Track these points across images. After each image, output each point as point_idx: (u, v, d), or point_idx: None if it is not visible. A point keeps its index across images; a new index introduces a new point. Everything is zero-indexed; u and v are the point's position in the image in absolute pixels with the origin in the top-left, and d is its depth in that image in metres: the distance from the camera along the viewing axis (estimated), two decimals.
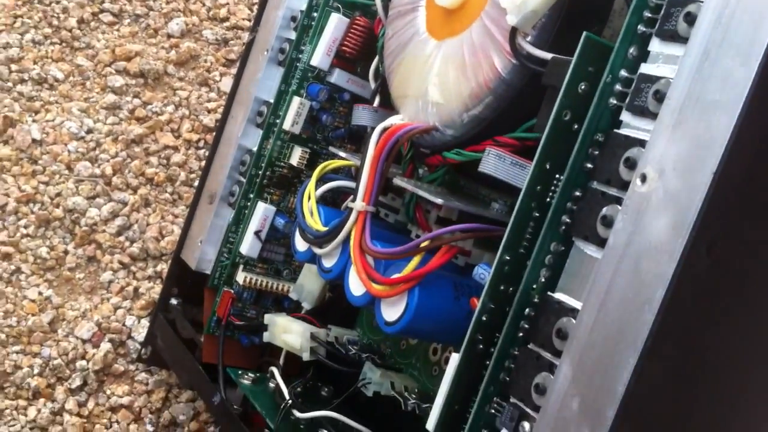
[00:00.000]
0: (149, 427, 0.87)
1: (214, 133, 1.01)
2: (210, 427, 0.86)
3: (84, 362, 0.87)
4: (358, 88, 0.75)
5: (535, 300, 0.45)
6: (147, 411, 0.88)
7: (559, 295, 0.44)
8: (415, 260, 0.55)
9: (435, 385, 0.50)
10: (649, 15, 0.43)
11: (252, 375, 0.73)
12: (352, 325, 0.74)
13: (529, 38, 0.53)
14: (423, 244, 0.55)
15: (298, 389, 0.68)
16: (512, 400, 0.45)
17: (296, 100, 0.74)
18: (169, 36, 1.07)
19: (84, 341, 0.88)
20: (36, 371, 0.84)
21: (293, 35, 0.77)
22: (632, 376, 0.37)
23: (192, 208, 0.83)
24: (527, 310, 0.45)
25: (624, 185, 0.41)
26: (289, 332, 0.69)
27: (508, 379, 0.45)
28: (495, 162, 0.52)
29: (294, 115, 0.74)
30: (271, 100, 0.77)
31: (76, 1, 1.05)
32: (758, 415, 0.43)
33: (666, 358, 0.37)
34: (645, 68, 0.43)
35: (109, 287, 0.92)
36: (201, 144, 1.03)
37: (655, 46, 0.43)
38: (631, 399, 0.36)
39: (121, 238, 0.95)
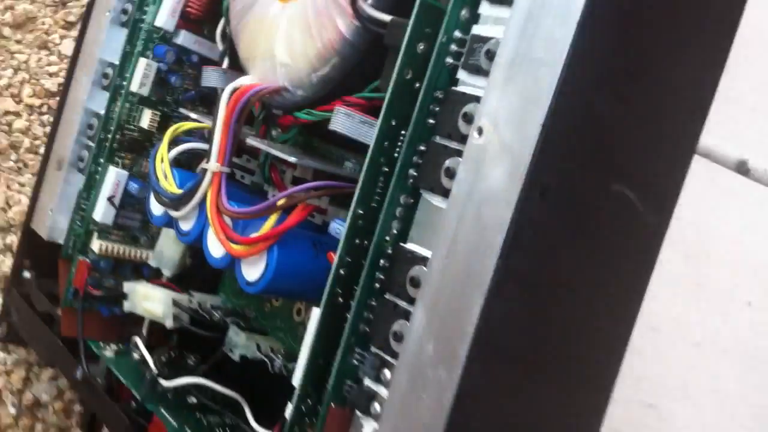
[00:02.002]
0: (12, 410, 0.85)
1: (57, 98, 0.98)
2: (76, 405, 0.85)
3: None
4: (206, 50, 0.75)
5: (389, 251, 0.48)
6: (8, 392, 0.85)
7: (410, 246, 0.47)
8: (272, 219, 0.56)
9: (300, 346, 0.52)
10: None
11: (115, 347, 0.73)
12: (214, 290, 0.75)
13: (369, 0, 0.55)
14: (279, 203, 0.56)
15: (163, 358, 0.68)
16: (373, 349, 0.47)
17: (142, 61, 0.73)
18: None
19: None
20: None
21: None
22: (480, 316, 0.40)
23: (40, 176, 0.81)
24: (382, 261, 0.48)
25: (463, 138, 0.44)
26: (150, 300, 0.69)
27: (367, 329, 0.48)
28: (344, 120, 0.54)
29: (141, 76, 0.73)
30: (116, 62, 0.75)
31: None
32: (600, 341, 0.47)
33: (510, 297, 0.41)
34: (476, 29, 0.45)
35: None
36: (44, 109, 1.00)
37: (485, 9, 0.45)
38: (481, 337, 0.40)
39: None
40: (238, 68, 0.70)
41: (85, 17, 0.80)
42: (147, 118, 0.74)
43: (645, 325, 0.49)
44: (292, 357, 0.61)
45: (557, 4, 0.40)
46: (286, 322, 0.67)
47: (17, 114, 0.98)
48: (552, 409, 0.47)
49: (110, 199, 0.74)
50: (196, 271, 0.74)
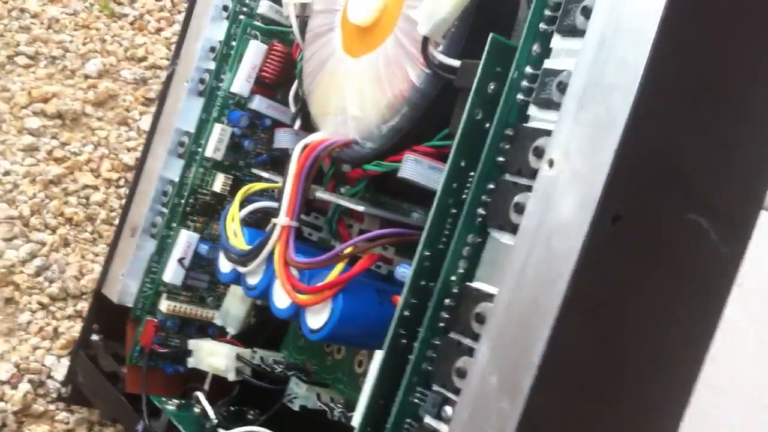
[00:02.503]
0: None
1: (134, 171, 1.01)
2: None
3: (2, 403, 0.84)
4: (279, 114, 0.77)
5: (455, 291, 0.46)
6: None
7: (477, 284, 0.46)
8: (338, 267, 0.56)
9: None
10: (550, 13, 0.45)
11: (176, 401, 0.72)
12: (277, 348, 0.74)
13: (440, 48, 0.55)
14: (345, 251, 0.56)
15: (224, 410, 0.68)
16: (434, 387, 0.46)
17: (217, 126, 0.75)
18: (87, 77, 1.07)
19: (2, 383, 0.85)
20: None
21: (212, 65, 0.78)
22: (546, 345, 0.38)
23: (113, 243, 0.83)
24: (447, 300, 0.46)
25: (534, 173, 0.43)
26: (214, 355, 0.69)
27: (430, 368, 0.46)
28: (413, 167, 0.54)
29: (216, 141, 0.75)
30: (193, 131, 0.78)
31: None
32: (670, 371, 0.45)
33: (577, 326, 0.39)
34: (548, 63, 0.45)
35: (27, 328, 0.90)
36: (121, 182, 1.03)
37: (557, 42, 0.45)
38: (546, 366, 0.38)
39: (40, 279, 0.93)
40: (309, 129, 0.71)
41: (164, 90, 0.83)
42: (220, 182, 0.76)
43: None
44: (351, 406, 0.59)
45: (630, 27, 0.39)
46: (347, 374, 0.66)
47: (95, 187, 1.01)
48: None
49: (180, 261, 0.75)
50: (259, 330, 0.74)
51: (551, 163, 0.41)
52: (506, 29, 0.56)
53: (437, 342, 0.46)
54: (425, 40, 0.54)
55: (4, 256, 0.92)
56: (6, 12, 1.05)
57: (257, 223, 0.73)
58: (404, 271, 0.50)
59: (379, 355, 0.49)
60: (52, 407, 0.86)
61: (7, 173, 0.97)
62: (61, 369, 0.87)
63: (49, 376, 0.88)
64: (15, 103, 1.02)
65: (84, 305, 0.93)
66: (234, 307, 0.74)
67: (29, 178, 0.98)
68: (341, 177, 0.66)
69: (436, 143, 0.56)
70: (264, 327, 0.74)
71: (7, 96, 1.03)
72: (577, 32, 0.43)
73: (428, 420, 0.45)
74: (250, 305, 0.73)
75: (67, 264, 0.95)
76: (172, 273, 0.75)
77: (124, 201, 0.98)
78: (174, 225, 0.76)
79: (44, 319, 0.92)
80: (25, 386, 0.85)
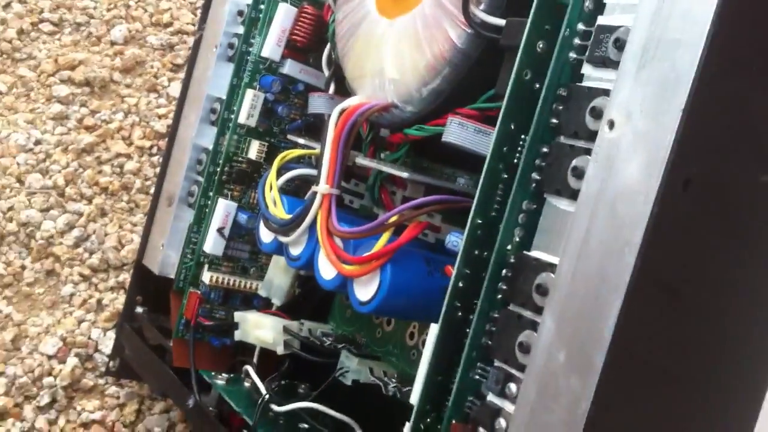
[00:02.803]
0: None
1: (166, 139, 1.00)
2: None
3: (51, 379, 0.84)
4: (312, 78, 0.75)
5: (511, 260, 0.45)
6: (120, 425, 0.85)
7: (535, 253, 0.44)
8: (384, 237, 0.54)
9: (414, 369, 0.50)
10: None
11: (226, 376, 0.72)
12: (324, 319, 0.73)
13: (482, 6, 0.53)
14: (391, 220, 0.54)
15: (274, 385, 0.67)
16: (496, 363, 0.44)
17: (249, 92, 0.73)
18: (113, 43, 1.05)
19: (49, 357, 0.85)
20: (2, 391, 0.82)
21: (241, 30, 0.76)
22: (618, 319, 0.36)
23: (150, 213, 0.82)
24: (504, 271, 0.45)
25: (591, 135, 0.41)
26: (261, 328, 0.68)
27: (490, 342, 0.45)
28: (458, 130, 0.52)
29: (248, 107, 0.73)
30: (224, 97, 0.76)
31: (15, 12, 1.03)
32: (749, 351, 0.43)
33: (650, 300, 0.37)
34: (602, 20, 0.43)
35: (71, 301, 0.90)
36: (154, 150, 1.02)
37: None
38: (619, 342, 0.36)
39: (80, 250, 0.93)
40: (344, 93, 0.69)
41: (192, 56, 0.81)
42: (255, 150, 0.74)
43: None
44: (406, 380, 0.58)
45: None
46: (398, 347, 0.65)
47: (128, 156, 1.00)
48: (695, 422, 0.42)
49: (220, 231, 0.74)
50: (304, 301, 0.73)
51: (611, 125, 0.39)
52: None
53: (496, 315, 0.45)
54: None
55: (42, 227, 0.92)
56: None
57: (295, 190, 0.71)
58: (456, 240, 0.49)
59: (434, 329, 0.47)
60: (101, 381, 0.86)
61: (38, 142, 0.96)
62: (107, 342, 0.87)
63: (96, 350, 0.88)
64: (42, 71, 1.01)
65: (126, 276, 0.93)
66: (278, 278, 0.72)
67: (61, 147, 0.97)
68: (381, 142, 0.64)
69: (480, 105, 0.54)
70: (309, 297, 0.73)
71: (34, 63, 1.01)
72: None
73: (491, 398, 0.44)
74: (294, 275, 0.72)
75: (106, 234, 0.95)
76: (213, 243, 0.74)
77: (158, 169, 0.98)
78: (211, 194, 0.75)
79: (87, 291, 0.91)
80: (72, 360, 0.86)
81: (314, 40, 0.73)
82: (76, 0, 1.06)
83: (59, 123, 0.98)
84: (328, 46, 0.70)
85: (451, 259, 0.49)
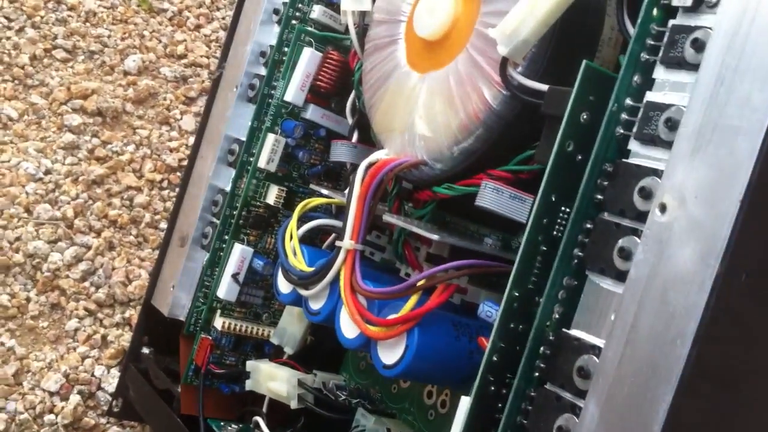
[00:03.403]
0: None
1: (177, 173, 0.99)
2: None
3: (52, 416, 0.82)
4: (334, 124, 0.74)
5: (550, 337, 0.44)
6: None
7: (576, 332, 0.43)
8: (413, 299, 0.53)
9: (432, 431, 0.48)
10: (652, 42, 0.42)
11: (235, 426, 0.70)
12: (337, 369, 0.72)
13: (519, 69, 0.52)
14: (420, 283, 0.53)
15: None
16: None
17: (271, 137, 0.72)
18: (126, 73, 1.05)
19: (51, 393, 0.84)
20: (1, 427, 0.80)
21: (263, 71, 0.75)
22: (668, 414, 0.35)
23: (162, 252, 0.80)
24: (542, 348, 0.44)
25: (639, 215, 0.40)
26: (274, 379, 0.67)
27: (525, 422, 0.44)
28: (493, 196, 0.51)
29: (269, 152, 0.72)
30: (243, 138, 0.75)
31: (28, 38, 1.02)
32: None
33: (704, 394, 0.36)
34: (651, 96, 0.42)
35: (75, 336, 0.89)
36: (165, 184, 1.00)
37: (660, 73, 0.42)
38: None
39: (86, 284, 0.91)
40: (367, 142, 0.68)
41: (211, 94, 0.80)
42: (273, 195, 0.73)
43: None
44: None
45: (755, 67, 0.36)
46: (415, 405, 0.63)
47: (138, 189, 0.99)
48: None
49: (235, 276, 0.72)
50: (317, 348, 0.71)
51: (663, 208, 0.38)
52: (590, 51, 0.53)
53: (532, 394, 0.43)
54: (504, 61, 0.51)
55: (49, 259, 0.90)
56: (42, 3, 1.03)
57: (312, 238, 0.70)
58: (490, 311, 0.47)
59: (465, 403, 0.46)
60: (102, 421, 0.84)
61: (48, 172, 0.95)
62: (111, 380, 0.86)
63: (99, 387, 0.86)
64: (53, 99, 1.00)
65: (132, 312, 0.91)
66: (291, 326, 0.71)
67: (71, 178, 0.96)
68: (406, 194, 0.63)
69: (513, 168, 0.53)
70: (322, 346, 0.72)
71: (46, 91, 1.00)
72: (686, 65, 0.40)
73: None
74: (307, 324, 0.71)
75: (114, 269, 0.93)
76: (227, 289, 0.72)
77: (168, 204, 0.97)
78: (226, 237, 0.74)
79: (92, 326, 0.90)
80: (75, 398, 0.84)
81: (338, 85, 0.72)
82: (90, 27, 1.05)
83: (70, 153, 0.97)
84: (353, 93, 0.69)
85: (477, 322, 0.48)
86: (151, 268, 0.93)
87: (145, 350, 0.81)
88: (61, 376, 0.85)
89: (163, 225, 0.97)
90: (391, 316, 0.53)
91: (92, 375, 0.87)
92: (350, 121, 0.70)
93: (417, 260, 0.61)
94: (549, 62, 0.52)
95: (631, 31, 0.47)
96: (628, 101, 0.43)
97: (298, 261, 0.63)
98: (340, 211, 0.68)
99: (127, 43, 1.07)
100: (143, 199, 0.98)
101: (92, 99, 1.01)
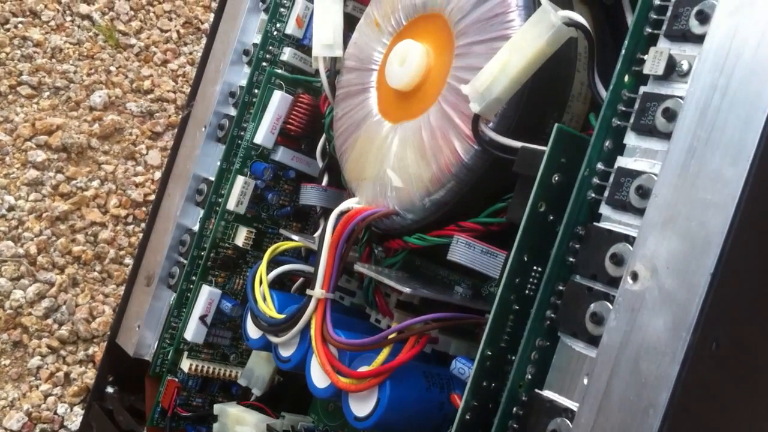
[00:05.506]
0: None
1: (143, 208, 0.98)
2: None
3: None
4: (304, 166, 0.74)
5: (523, 398, 0.44)
6: None
7: (548, 393, 0.43)
8: (384, 352, 0.53)
9: None
10: (624, 108, 0.43)
11: None
12: (305, 410, 0.72)
13: (491, 124, 0.53)
14: (391, 336, 0.53)
15: None
16: None
17: (240, 179, 0.72)
18: (92, 109, 1.04)
19: None
20: None
21: (232, 111, 0.75)
22: None
23: (127, 290, 0.79)
24: (515, 409, 0.44)
25: (611, 281, 0.41)
26: (242, 424, 0.66)
27: None
28: (464, 251, 0.51)
29: (239, 194, 0.72)
30: (211, 178, 0.75)
31: None
32: None
33: None
34: (622, 161, 0.43)
35: (37, 373, 0.87)
36: (130, 219, 0.99)
37: (632, 139, 0.43)
38: None
39: (49, 321, 0.90)
40: (337, 186, 0.68)
41: (179, 131, 0.80)
42: (242, 236, 0.73)
43: None
44: None
45: (726, 142, 0.37)
46: None
47: (103, 224, 0.98)
48: None
49: (202, 319, 0.72)
50: (285, 388, 0.71)
51: (635, 276, 0.39)
52: (560, 106, 0.54)
53: None
54: (476, 117, 0.52)
55: (11, 297, 0.89)
56: (8, 39, 1.02)
57: (282, 281, 0.70)
58: (462, 368, 0.48)
59: None
60: None
61: (11, 209, 0.94)
62: (74, 418, 0.85)
63: (62, 426, 0.85)
64: (18, 135, 0.99)
65: (95, 349, 0.90)
66: (259, 368, 0.71)
67: (35, 214, 0.95)
68: (376, 240, 0.64)
69: (483, 220, 0.54)
70: (290, 386, 0.71)
71: (10, 127, 0.99)
72: (657, 133, 0.41)
73: None
74: (275, 366, 0.70)
75: (77, 305, 0.92)
76: (194, 331, 0.72)
77: (133, 239, 0.96)
78: (194, 278, 0.73)
79: (54, 363, 0.89)
80: None
81: (308, 128, 0.72)
82: (56, 63, 1.04)
83: (34, 189, 0.96)
84: (323, 137, 0.69)
85: (448, 372, 0.49)
86: (115, 305, 0.92)
87: (110, 389, 0.80)
88: (23, 414, 0.84)
89: (128, 261, 0.96)
90: (363, 368, 0.53)
91: (55, 413, 0.85)
92: (320, 164, 0.70)
93: (387, 307, 0.61)
94: (520, 118, 0.53)
95: (602, 92, 0.48)
96: (600, 165, 0.43)
97: (268, 307, 0.62)
98: (310, 254, 0.68)
99: (93, 78, 1.06)
100: (108, 235, 0.97)
101: (57, 135, 1.00)
